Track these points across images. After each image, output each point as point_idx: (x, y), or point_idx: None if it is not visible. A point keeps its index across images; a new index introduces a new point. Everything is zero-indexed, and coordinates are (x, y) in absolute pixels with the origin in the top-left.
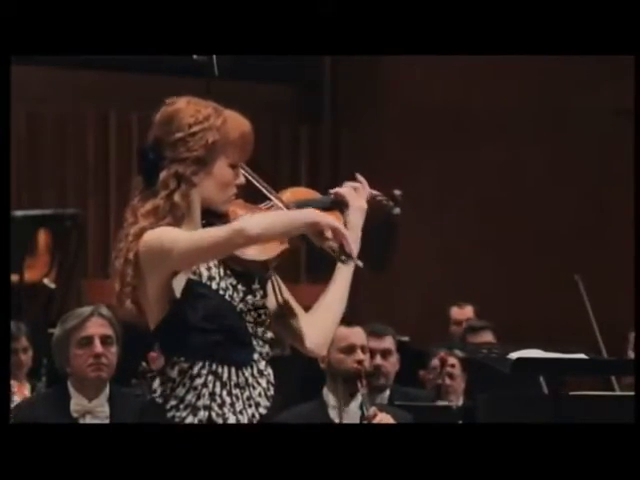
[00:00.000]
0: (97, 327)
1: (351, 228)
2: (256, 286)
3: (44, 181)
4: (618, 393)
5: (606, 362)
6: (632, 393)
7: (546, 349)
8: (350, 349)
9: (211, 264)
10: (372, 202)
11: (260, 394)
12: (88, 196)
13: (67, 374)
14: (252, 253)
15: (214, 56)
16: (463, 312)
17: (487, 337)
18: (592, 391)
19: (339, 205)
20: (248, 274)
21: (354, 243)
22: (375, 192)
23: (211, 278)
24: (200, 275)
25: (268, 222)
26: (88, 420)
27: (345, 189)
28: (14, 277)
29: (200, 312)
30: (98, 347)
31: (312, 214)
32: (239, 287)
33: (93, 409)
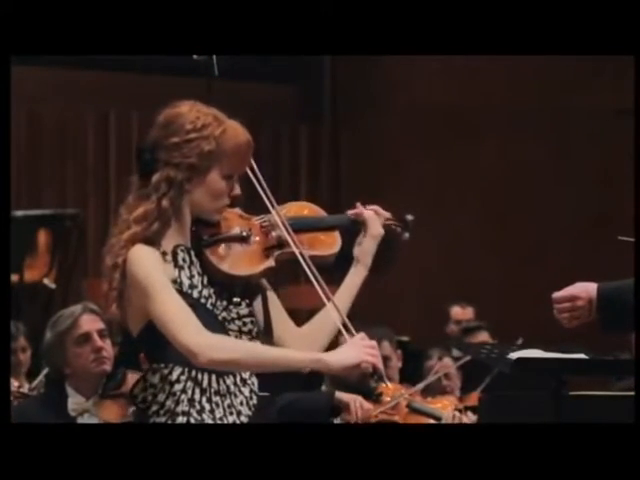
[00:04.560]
0: (92, 323)
1: (364, 254)
2: (239, 295)
3: (44, 181)
4: (618, 393)
5: (606, 362)
6: (632, 393)
7: (546, 349)
8: None
9: (194, 272)
10: (383, 226)
11: (242, 402)
12: (88, 196)
13: (65, 375)
14: (226, 268)
15: (214, 56)
16: (465, 312)
17: (483, 337)
18: (592, 391)
19: (355, 227)
20: (231, 284)
21: (364, 270)
22: (385, 214)
23: (192, 287)
24: (181, 284)
25: (235, 356)
26: (86, 418)
27: (368, 212)
28: (14, 277)
29: None
30: (98, 341)
31: (323, 359)
32: (223, 295)
33: (91, 407)
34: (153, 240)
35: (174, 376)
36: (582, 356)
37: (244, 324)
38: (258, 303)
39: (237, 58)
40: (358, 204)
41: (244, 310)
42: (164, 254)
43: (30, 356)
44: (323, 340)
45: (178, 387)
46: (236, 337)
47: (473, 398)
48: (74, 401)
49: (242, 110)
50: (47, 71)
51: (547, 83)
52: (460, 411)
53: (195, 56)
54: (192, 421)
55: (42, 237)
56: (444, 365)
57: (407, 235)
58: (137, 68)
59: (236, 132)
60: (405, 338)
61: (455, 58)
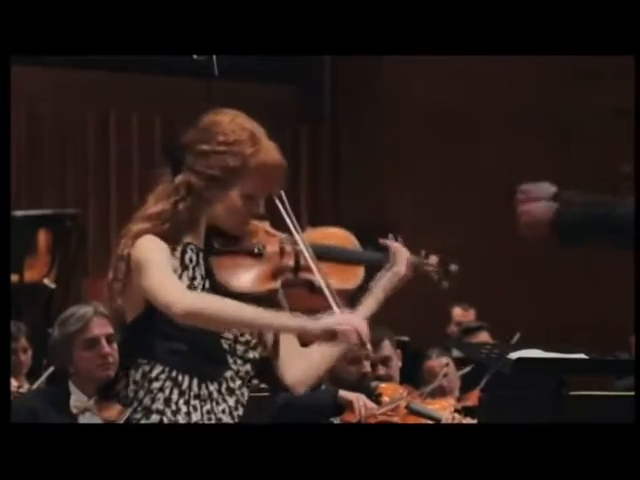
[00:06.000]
0: (101, 327)
1: (380, 289)
2: None
3: (44, 181)
4: (618, 393)
5: (606, 362)
6: (632, 393)
7: (546, 349)
8: (356, 360)
9: (197, 274)
10: (420, 270)
11: (224, 411)
12: (88, 196)
13: (69, 374)
14: (227, 281)
15: (214, 56)
16: (466, 314)
17: (483, 337)
18: (592, 391)
19: (382, 263)
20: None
21: (375, 304)
22: (432, 260)
23: (191, 287)
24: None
25: (211, 308)
26: (87, 417)
27: (397, 247)
28: (14, 277)
29: (167, 317)
30: (106, 347)
31: (318, 323)
32: None
33: (93, 406)
34: (162, 237)
35: (154, 374)
36: (582, 356)
37: (241, 334)
38: None
39: (237, 58)
40: (396, 238)
41: None
42: (173, 249)
43: (31, 356)
44: (320, 368)
45: (156, 385)
46: (229, 345)
47: (472, 398)
48: (76, 399)
49: (242, 110)
50: (47, 71)
51: (547, 83)
52: (459, 412)
53: (195, 56)
54: (165, 420)
55: (42, 237)
56: (448, 368)
57: (446, 284)
58: (137, 68)
59: (268, 155)
60: (405, 338)
61: (455, 58)
